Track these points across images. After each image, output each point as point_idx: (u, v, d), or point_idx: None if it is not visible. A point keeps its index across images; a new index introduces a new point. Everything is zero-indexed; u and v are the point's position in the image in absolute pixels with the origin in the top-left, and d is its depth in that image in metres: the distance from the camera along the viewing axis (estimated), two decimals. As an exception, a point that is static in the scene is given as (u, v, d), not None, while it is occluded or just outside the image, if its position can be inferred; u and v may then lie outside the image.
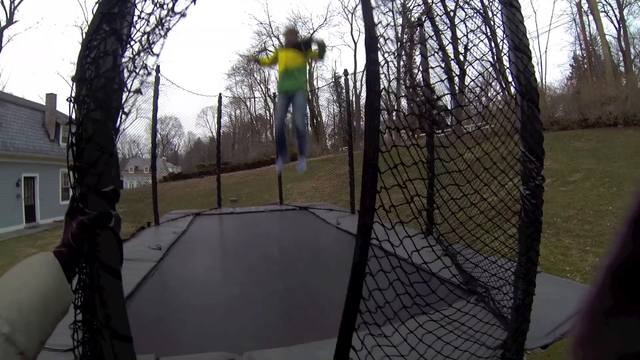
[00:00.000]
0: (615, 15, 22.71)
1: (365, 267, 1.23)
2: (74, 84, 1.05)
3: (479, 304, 2.09)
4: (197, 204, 12.81)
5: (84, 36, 1.11)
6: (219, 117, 8.77)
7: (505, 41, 1.76)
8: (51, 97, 19.05)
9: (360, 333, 1.35)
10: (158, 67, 6.03)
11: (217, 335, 2.41)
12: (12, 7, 25.03)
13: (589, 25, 23.76)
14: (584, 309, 0.38)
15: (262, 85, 34.87)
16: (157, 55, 1.06)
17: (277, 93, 4.96)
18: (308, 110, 5.39)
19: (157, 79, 6.04)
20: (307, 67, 4.98)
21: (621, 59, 22.80)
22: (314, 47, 4.73)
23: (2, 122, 16.01)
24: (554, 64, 47.78)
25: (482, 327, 1.77)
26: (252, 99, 35.04)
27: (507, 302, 1.94)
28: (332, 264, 3.87)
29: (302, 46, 4.63)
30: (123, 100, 0.98)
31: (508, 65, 1.75)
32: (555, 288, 2.55)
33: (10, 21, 25.22)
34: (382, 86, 1.17)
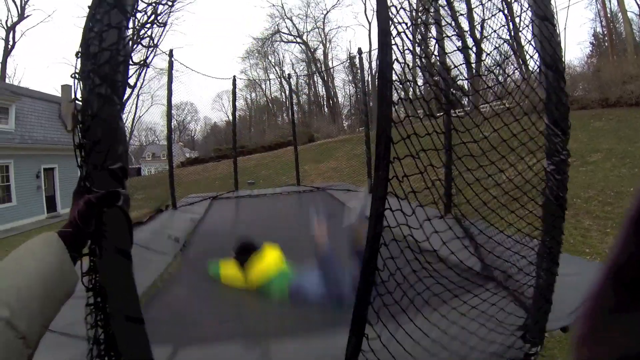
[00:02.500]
0: (638, -9, 21.70)
1: (380, 239, 1.19)
2: (79, 59, 1.02)
3: (499, 285, 2.04)
4: (214, 187, 12.87)
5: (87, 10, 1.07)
6: (234, 100, 8.78)
7: (526, 12, 1.67)
8: (66, 89, 19.27)
9: (375, 309, 1.32)
10: (171, 51, 6.00)
11: (236, 325, 2.41)
12: (23, 2, 25.28)
13: (610, 2, 22.82)
14: (587, 308, 0.38)
15: (276, 68, 34.80)
16: (164, 26, 1.02)
17: None
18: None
19: (171, 63, 6.02)
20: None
21: (643, 36, 21.86)
22: None
23: (19, 116, 16.32)
24: (573, 42, 46.05)
25: (503, 309, 1.72)
26: (267, 82, 34.86)
27: (529, 282, 1.89)
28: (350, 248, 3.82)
29: None
30: (129, 73, 0.94)
31: (529, 38, 1.66)
32: (575, 268, 2.48)
33: (22, 16, 25.51)
34: (393, 57, 1.11)
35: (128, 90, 0.95)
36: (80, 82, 0.98)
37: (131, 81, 0.97)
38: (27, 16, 25.91)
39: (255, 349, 1.98)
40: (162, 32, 1.03)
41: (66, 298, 0.74)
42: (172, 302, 2.84)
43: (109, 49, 0.91)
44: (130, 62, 0.93)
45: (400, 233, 1.28)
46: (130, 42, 0.97)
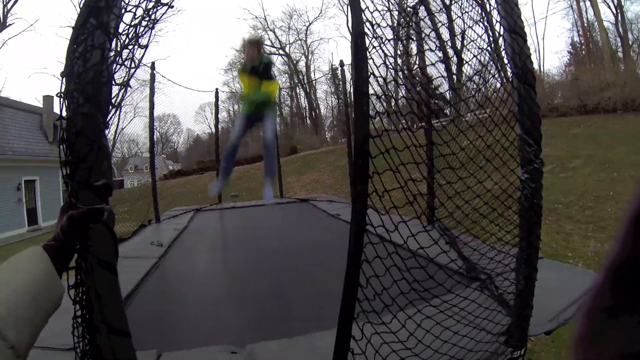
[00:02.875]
0: (613, 1, 22.50)
1: (361, 254, 1.22)
2: (63, 78, 1.03)
3: (481, 291, 2.09)
4: (198, 200, 12.76)
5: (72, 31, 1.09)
6: (217, 113, 8.77)
7: (500, 24, 1.74)
8: (48, 99, 18.97)
9: (359, 322, 1.35)
10: (153, 64, 5.99)
11: (219, 329, 2.41)
12: (5, 10, 24.91)
13: (587, 11, 23.57)
14: (585, 308, 0.38)
15: (259, 80, 34.64)
16: (145, 48, 1.04)
17: (240, 115, 4.32)
18: (277, 125, 4.54)
19: (153, 76, 5.99)
20: (276, 89, 4.40)
21: (619, 44, 22.61)
22: (272, 73, 4.26)
23: (-1, 127, 15.99)
24: (551, 51, 47.39)
25: (485, 314, 1.76)
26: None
27: (510, 288, 1.94)
28: (333, 255, 3.86)
29: (261, 71, 4.07)
30: (112, 93, 0.97)
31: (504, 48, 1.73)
32: (558, 274, 2.55)
33: (4, 25, 25.10)
34: (369, 71, 1.15)
35: (112, 109, 0.97)
36: (65, 101, 1.00)
37: (115, 100, 0.99)
38: (10, 25, 25.53)
39: (239, 352, 1.98)
40: (143, 53, 1.05)
41: (53, 310, 0.76)
42: (154, 305, 2.82)
43: (93, 69, 0.93)
44: (113, 83, 0.95)
45: (383, 247, 1.32)
46: (114, 63, 0.99)
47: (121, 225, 6.52)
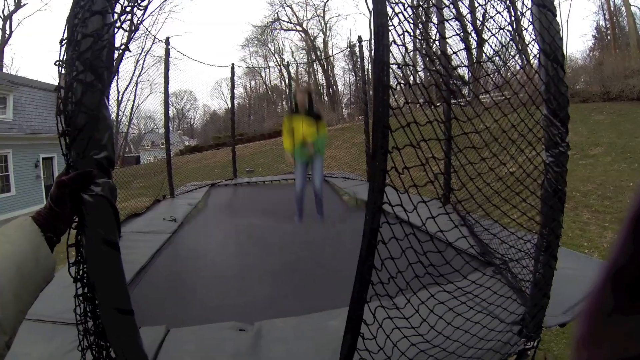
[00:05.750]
0: (642, -17, 21.45)
1: (377, 234, 1.16)
2: (63, 46, 0.98)
3: (496, 277, 2.03)
4: (214, 175, 12.81)
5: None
6: (232, 88, 8.70)
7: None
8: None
9: (372, 305, 1.30)
10: (168, 39, 5.92)
11: (229, 306, 2.41)
12: (20, -10, 24.99)
13: (614, -5, 22.59)
14: (586, 309, 0.37)
15: (276, 56, 34.56)
16: (145, 9, 0.98)
17: (295, 159, 4.73)
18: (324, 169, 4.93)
19: (167, 51, 5.94)
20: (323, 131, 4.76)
21: (646, 30, 21.64)
22: (321, 120, 4.70)
23: (17, 105, 16.23)
24: (576, 34, 45.60)
25: (500, 301, 1.71)
26: (267, 69, 34.64)
27: (527, 275, 1.87)
28: (346, 234, 3.83)
29: (313, 115, 4.56)
30: (113, 58, 0.91)
31: (527, 27, 1.62)
32: (575, 263, 2.46)
33: (18, 5, 25.22)
34: (390, 39, 1.07)
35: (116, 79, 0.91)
36: (64, 69, 0.95)
37: (120, 67, 0.94)
38: (24, 5, 25.63)
39: (247, 329, 1.98)
40: (142, 15, 0.99)
41: (44, 283, 0.72)
42: (165, 282, 2.84)
43: (92, 35, 0.87)
44: (114, 48, 0.90)
45: (400, 228, 1.26)
46: (113, 27, 0.94)
47: (137, 201, 6.58)
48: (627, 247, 0.34)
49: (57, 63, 0.96)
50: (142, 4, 0.96)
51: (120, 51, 0.93)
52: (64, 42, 0.98)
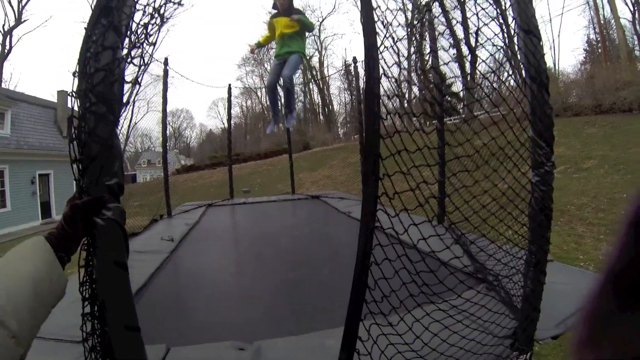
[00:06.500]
0: (630, -2, 21.98)
1: (370, 256, 1.21)
2: (76, 78, 1.05)
3: (488, 293, 2.07)
4: (210, 195, 12.85)
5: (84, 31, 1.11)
6: (229, 108, 8.79)
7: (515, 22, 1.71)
8: (62, 94, 19.25)
9: (366, 322, 1.35)
10: (166, 60, 6.02)
11: (227, 325, 2.43)
12: (20, 6, 25.32)
13: (603, 8, 23.12)
14: (585, 312, 0.38)
15: (272, 75, 34.79)
16: (154, 45, 1.05)
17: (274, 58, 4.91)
18: (300, 68, 5.29)
19: (166, 71, 6.03)
20: (304, 32, 4.94)
21: (636, 42, 22.11)
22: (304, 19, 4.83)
23: (14, 121, 16.29)
24: (567, 48, 46.52)
25: (492, 317, 1.75)
26: (263, 89, 35.01)
27: (518, 291, 1.92)
28: (343, 253, 3.86)
29: (293, 13, 4.70)
30: (123, 91, 0.98)
31: (517, 48, 1.70)
32: (568, 277, 2.51)
33: (19, 21, 25.54)
34: (380, 72, 1.14)
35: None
36: (77, 100, 1.01)
37: (125, 97, 1.01)
38: (24, 21, 25.96)
39: (246, 348, 2.00)
40: (153, 50, 1.06)
41: (56, 300, 0.76)
42: (164, 300, 2.85)
43: (104, 69, 0.94)
44: (124, 81, 0.97)
45: (392, 249, 1.31)
46: (124, 62, 1.00)
47: (133, 220, 6.60)
48: (625, 251, 0.35)
49: (71, 94, 1.02)
50: (150, 40, 1.03)
51: (133, 85, 1.00)
52: (76, 74, 1.05)
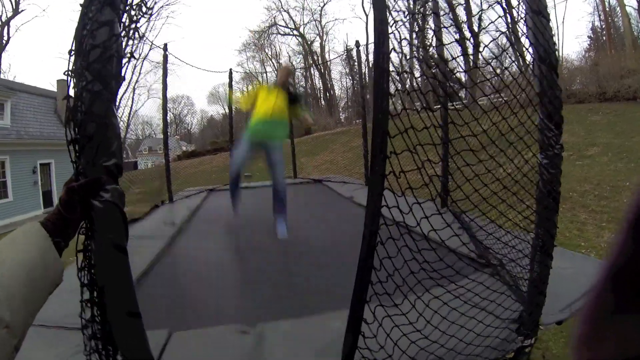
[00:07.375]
0: (636, -15, 21.60)
1: (377, 236, 1.19)
2: (71, 56, 1.02)
3: (494, 276, 2.06)
4: (211, 180, 12.82)
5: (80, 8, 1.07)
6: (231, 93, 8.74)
7: (522, 5, 1.67)
8: (62, 83, 19.11)
9: (372, 304, 1.33)
10: (166, 45, 5.94)
11: (230, 309, 2.43)
12: (18, -4, 25.03)
13: (608, -5, 22.76)
14: (586, 309, 0.38)
15: (273, 60, 34.72)
16: (150, 16, 1.02)
17: (244, 137, 4.08)
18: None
19: (166, 57, 5.95)
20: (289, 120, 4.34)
21: (641, 30, 21.79)
22: (301, 106, 4.24)
23: (14, 111, 16.24)
24: (571, 35, 46.02)
25: (498, 299, 1.74)
26: (264, 74, 34.85)
27: (524, 275, 1.90)
28: (346, 236, 3.85)
29: (293, 96, 4.08)
30: (121, 67, 0.95)
31: (524, 31, 1.66)
32: (571, 263, 2.50)
33: (16, 11, 25.27)
34: (390, 47, 1.11)
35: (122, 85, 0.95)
36: (74, 79, 0.98)
37: (124, 74, 0.97)
38: (22, 11, 25.72)
39: (250, 332, 2.00)
40: (149, 24, 1.03)
41: (53, 287, 0.74)
42: (166, 286, 2.85)
43: (100, 46, 0.91)
44: (121, 57, 0.93)
45: (397, 230, 1.29)
46: (121, 37, 0.97)
47: (135, 206, 6.60)
48: (627, 247, 0.34)
49: (66, 73, 0.99)
50: (146, 13, 1.00)
51: (128, 60, 0.96)
52: (73, 53, 1.02)
